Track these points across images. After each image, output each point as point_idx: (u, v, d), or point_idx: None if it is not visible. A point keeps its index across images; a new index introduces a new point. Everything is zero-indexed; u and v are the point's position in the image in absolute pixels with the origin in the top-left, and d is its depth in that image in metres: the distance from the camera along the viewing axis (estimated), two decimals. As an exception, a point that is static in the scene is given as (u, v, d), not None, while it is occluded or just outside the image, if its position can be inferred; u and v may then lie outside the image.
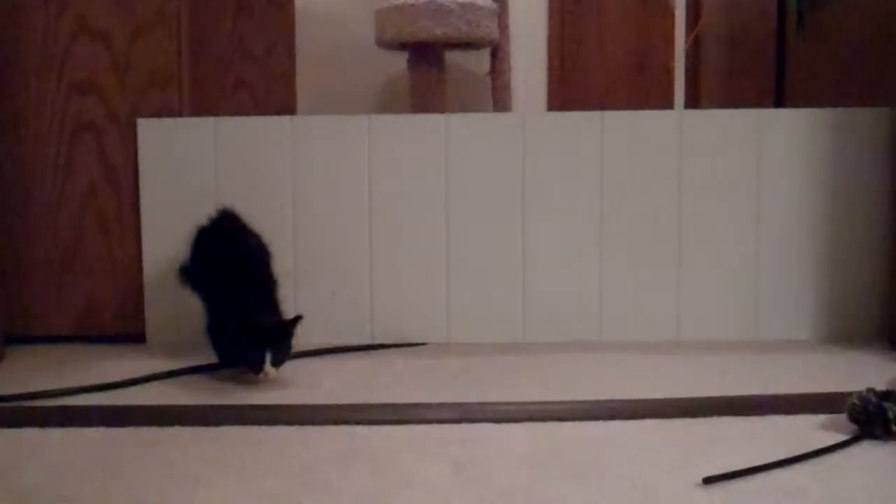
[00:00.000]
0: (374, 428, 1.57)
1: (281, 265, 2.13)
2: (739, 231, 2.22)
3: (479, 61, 3.90)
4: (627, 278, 2.22)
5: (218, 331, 1.92)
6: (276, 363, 1.77)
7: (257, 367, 1.76)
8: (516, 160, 2.21)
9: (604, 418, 1.61)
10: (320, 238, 2.19)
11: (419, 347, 2.18)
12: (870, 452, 1.45)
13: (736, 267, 2.23)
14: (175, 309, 2.16)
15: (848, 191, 2.22)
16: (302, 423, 1.59)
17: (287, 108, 2.72)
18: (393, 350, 2.15)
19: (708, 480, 1.31)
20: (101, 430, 1.57)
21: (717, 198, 2.22)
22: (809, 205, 2.22)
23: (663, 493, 1.30)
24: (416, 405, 1.68)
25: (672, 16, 3.25)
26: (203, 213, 2.05)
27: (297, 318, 1.82)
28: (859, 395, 1.54)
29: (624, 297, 2.22)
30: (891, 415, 1.49)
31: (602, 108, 2.38)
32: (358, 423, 1.59)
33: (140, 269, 2.19)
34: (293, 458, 1.40)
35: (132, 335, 2.20)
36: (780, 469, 1.37)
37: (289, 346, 1.80)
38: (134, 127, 2.18)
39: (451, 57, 3.83)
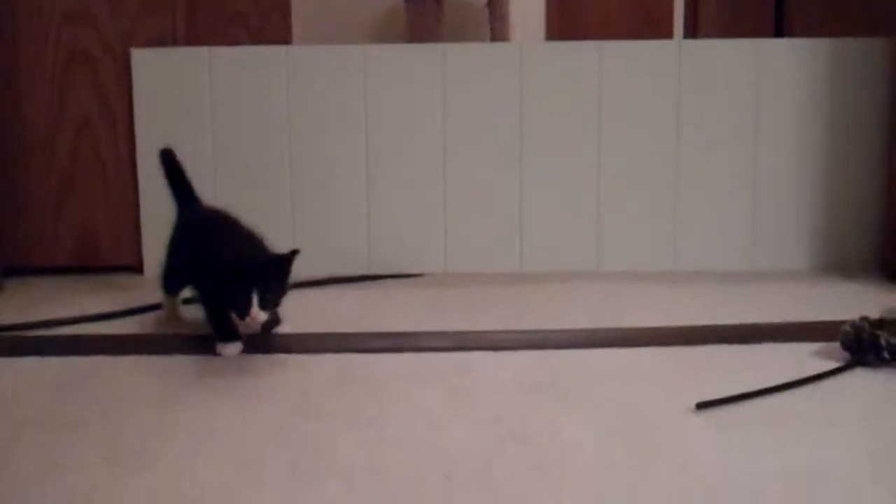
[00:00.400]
0: (371, 356, 1.59)
1: (277, 197, 2.14)
2: (736, 162, 2.22)
3: (476, -9, 3.86)
4: (625, 209, 2.22)
5: (207, 296, 1.64)
6: (266, 305, 1.49)
7: (242, 311, 1.48)
8: (514, 90, 2.20)
9: (599, 346, 1.63)
10: (317, 169, 2.19)
11: (416, 278, 2.18)
12: (862, 379, 1.47)
13: (732, 198, 2.23)
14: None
15: (846, 121, 2.21)
16: (300, 351, 1.60)
17: (283, 38, 2.69)
18: (390, 281, 2.16)
19: (701, 406, 1.33)
20: (101, 358, 1.58)
21: (716, 128, 2.21)
22: (807, 135, 2.21)
23: (658, 418, 1.31)
24: (413, 334, 1.69)
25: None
26: (198, 144, 2.04)
27: (293, 253, 1.53)
28: (853, 323, 1.55)
29: (621, 228, 2.23)
30: (883, 342, 1.50)
31: (601, 37, 2.36)
32: (355, 351, 1.61)
33: (137, 201, 2.19)
34: (291, 385, 1.41)
35: (130, 266, 2.20)
36: (773, 395, 1.39)
37: (282, 286, 1.53)
38: (128, 57, 2.16)
39: (448, -13, 3.79)
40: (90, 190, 2.19)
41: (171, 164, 1.82)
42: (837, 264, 2.23)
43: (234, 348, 1.58)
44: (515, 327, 1.72)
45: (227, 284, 1.48)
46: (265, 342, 1.63)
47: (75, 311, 1.84)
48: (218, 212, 1.76)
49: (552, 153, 2.20)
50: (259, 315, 1.48)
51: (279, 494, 1.07)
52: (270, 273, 1.50)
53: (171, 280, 1.79)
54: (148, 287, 2.06)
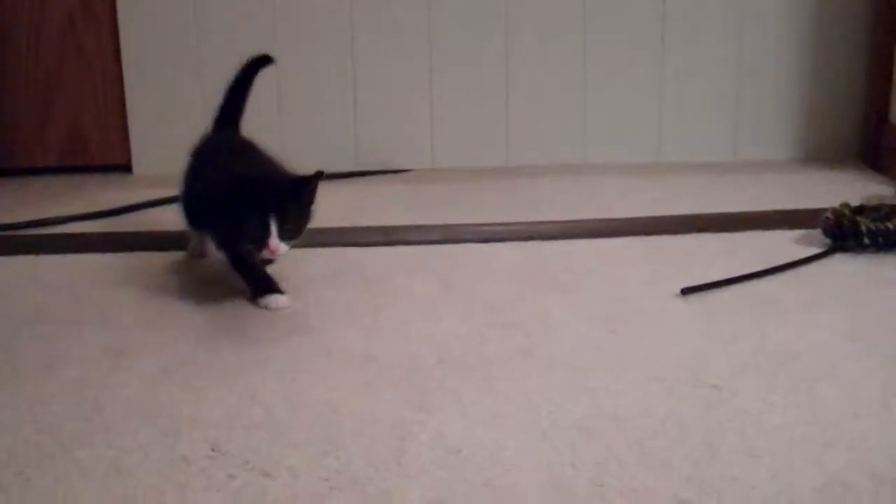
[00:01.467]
0: (364, 250, 1.61)
1: (263, 93, 2.13)
2: (720, 52, 2.22)
3: None
4: (611, 102, 2.23)
5: (223, 235, 1.39)
6: (287, 236, 1.27)
7: (258, 240, 1.26)
8: (499, -17, 2.18)
9: (586, 236, 1.66)
10: (303, 65, 2.18)
11: (404, 174, 2.20)
12: (843, 264, 1.51)
13: (716, 89, 2.23)
14: (160, 138, 2.17)
15: (830, 10, 2.21)
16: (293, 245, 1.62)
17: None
18: (378, 176, 2.17)
19: (686, 291, 1.37)
20: (98, 256, 1.60)
21: (700, 17, 2.20)
22: (791, 25, 2.21)
23: (643, 303, 1.35)
24: (404, 227, 1.71)
25: None
26: (182, 38, 2.02)
27: (317, 175, 1.31)
28: (834, 210, 1.58)
29: (607, 121, 2.24)
30: (863, 228, 1.54)
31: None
32: (347, 244, 1.63)
33: (123, 99, 2.18)
34: (285, 278, 1.43)
35: (119, 165, 2.21)
36: (755, 280, 1.43)
37: (304, 213, 1.31)
38: (109, -48, 2.13)
39: None
40: (76, 89, 2.17)
41: (246, 76, 1.57)
42: (820, 154, 2.26)
43: (282, 300, 1.36)
44: (503, 220, 1.75)
45: (240, 209, 1.25)
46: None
47: (67, 210, 1.84)
48: (239, 138, 1.54)
49: (538, 46, 2.20)
50: (279, 247, 1.26)
51: (280, 382, 1.11)
52: (291, 196, 1.28)
53: (190, 213, 1.49)
54: (138, 185, 2.06)
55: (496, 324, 1.28)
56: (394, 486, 0.88)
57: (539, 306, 1.35)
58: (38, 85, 2.17)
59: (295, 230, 1.28)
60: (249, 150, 1.45)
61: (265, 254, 1.27)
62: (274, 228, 1.25)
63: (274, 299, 1.36)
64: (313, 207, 1.32)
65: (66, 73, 2.17)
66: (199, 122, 2.16)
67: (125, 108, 2.18)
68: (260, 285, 1.38)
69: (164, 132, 2.16)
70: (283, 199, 1.27)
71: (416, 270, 1.50)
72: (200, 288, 1.44)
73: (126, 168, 2.20)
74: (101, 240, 1.68)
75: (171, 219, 1.79)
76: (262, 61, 1.58)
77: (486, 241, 1.64)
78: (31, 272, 1.53)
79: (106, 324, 1.30)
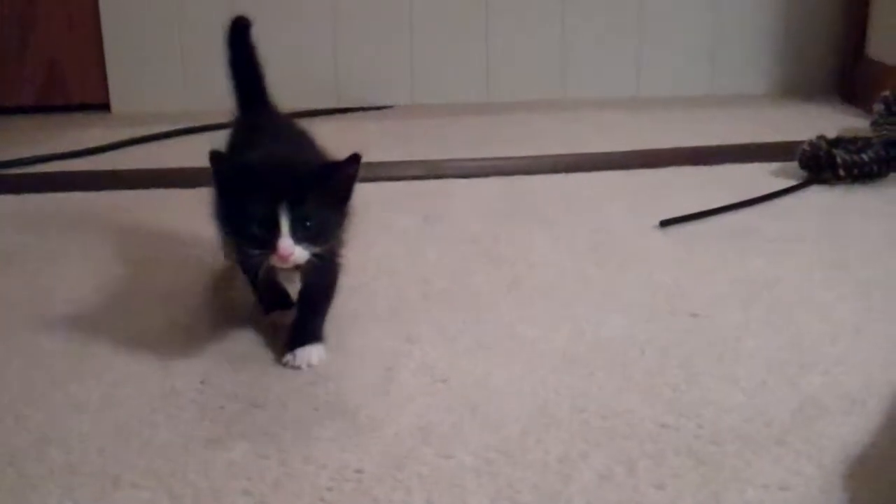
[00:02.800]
0: (346, 185, 1.62)
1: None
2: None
3: None
4: (589, 36, 2.23)
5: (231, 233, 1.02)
6: (306, 237, 0.94)
7: (261, 240, 0.93)
8: (477, -84, 2.17)
9: (567, 171, 1.67)
10: (283, 3, 2.16)
11: (385, 110, 2.20)
12: (819, 195, 1.53)
13: (694, 23, 2.24)
14: (138, 76, 2.16)
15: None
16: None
17: None
18: (359, 113, 2.17)
19: (665, 223, 1.39)
20: (79, 194, 1.60)
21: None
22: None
23: (623, 235, 1.37)
24: (387, 163, 1.72)
25: None
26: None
27: (353, 160, 1.00)
28: (810, 142, 1.60)
29: (586, 55, 2.24)
30: (839, 160, 1.56)
31: None
32: (330, 181, 1.63)
33: (100, 37, 2.16)
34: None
35: (97, 104, 2.19)
36: (733, 212, 1.45)
37: (335, 210, 0.99)
38: None
39: None
40: (53, 28, 2.15)
41: (238, 43, 1.25)
42: (796, 88, 2.27)
43: (313, 354, 1.01)
44: (485, 155, 1.76)
45: (240, 197, 0.94)
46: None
47: (46, 149, 1.84)
48: (266, 119, 1.21)
49: (517, -20, 2.19)
50: (292, 251, 0.92)
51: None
52: (312, 186, 0.95)
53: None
54: (116, 124, 2.06)
55: (480, 257, 1.30)
56: (383, 413, 0.90)
57: (522, 240, 1.36)
58: (14, 23, 2.14)
59: (319, 231, 0.95)
60: (276, 131, 1.15)
61: (275, 260, 0.94)
62: (285, 225, 0.92)
63: (302, 354, 1.00)
64: (350, 204, 1.01)
65: (41, 10, 2.14)
66: (177, 58, 2.17)
67: (102, 46, 2.16)
68: (262, 300, 1.09)
69: (143, 70, 2.15)
70: (301, 188, 0.94)
71: (401, 206, 1.51)
72: (185, 223, 1.44)
73: (105, 106, 2.19)
74: (82, 178, 1.67)
75: (150, 157, 1.78)
76: (242, 28, 1.25)
77: (467, 176, 1.66)
78: (14, 210, 1.53)
79: (91, 261, 1.30)
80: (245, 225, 0.93)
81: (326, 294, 1.04)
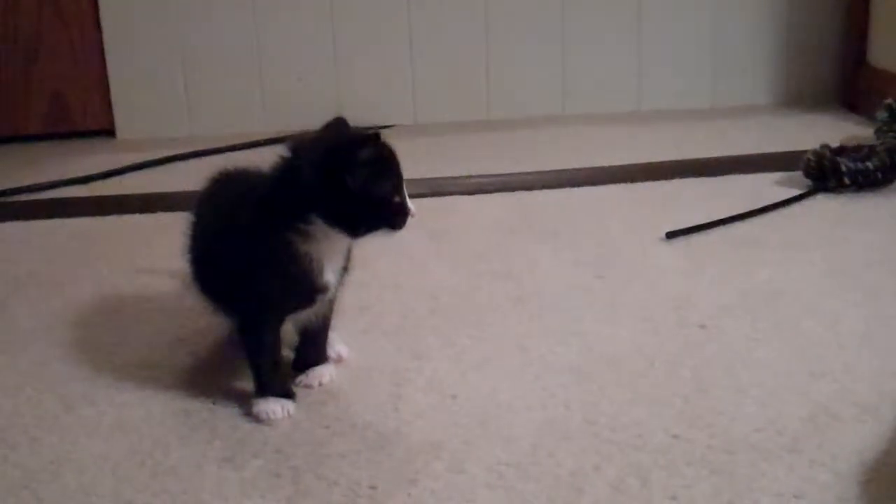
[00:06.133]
0: (351, 205, 1.62)
1: (243, 49, 2.13)
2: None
3: None
4: (589, 52, 2.23)
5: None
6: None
7: (405, 207, 1.00)
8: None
9: (570, 186, 1.68)
10: (284, 21, 2.17)
11: (387, 130, 2.20)
12: (824, 203, 1.53)
13: (694, 35, 2.24)
14: (142, 102, 2.17)
15: (807, -47, 2.22)
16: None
17: None
18: (362, 133, 2.17)
19: (670, 235, 1.39)
20: (86, 219, 1.61)
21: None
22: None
23: (629, 247, 1.38)
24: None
25: None
26: (162, 5, 2.01)
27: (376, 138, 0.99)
28: (814, 151, 1.60)
29: (586, 71, 2.24)
30: (844, 168, 1.56)
31: None
32: (335, 201, 1.64)
33: (104, 63, 2.17)
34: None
35: (102, 130, 2.20)
36: (738, 222, 1.45)
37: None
38: None
39: None
40: (57, 55, 2.16)
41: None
42: (798, 97, 2.27)
43: (278, 408, 0.94)
44: (488, 172, 1.76)
45: (376, 182, 0.97)
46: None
47: (53, 176, 1.84)
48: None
49: (517, -2, 2.20)
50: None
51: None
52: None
53: None
54: (121, 149, 2.06)
55: (486, 273, 1.30)
56: (393, 430, 0.90)
57: (527, 255, 1.37)
58: (18, 52, 2.16)
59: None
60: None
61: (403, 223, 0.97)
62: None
63: (265, 406, 0.94)
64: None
65: (45, 39, 2.15)
66: (180, 85, 2.18)
67: (106, 73, 2.17)
68: (262, 386, 0.96)
69: (146, 96, 2.16)
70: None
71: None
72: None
73: (110, 133, 2.20)
74: (89, 204, 1.68)
75: (155, 181, 1.79)
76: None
77: (472, 193, 1.66)
78: (23, 237, 1.54)
79: (99, 286, 1.31)
80: (383, 203, 0.97)
81: (331, 315, 1.03)
